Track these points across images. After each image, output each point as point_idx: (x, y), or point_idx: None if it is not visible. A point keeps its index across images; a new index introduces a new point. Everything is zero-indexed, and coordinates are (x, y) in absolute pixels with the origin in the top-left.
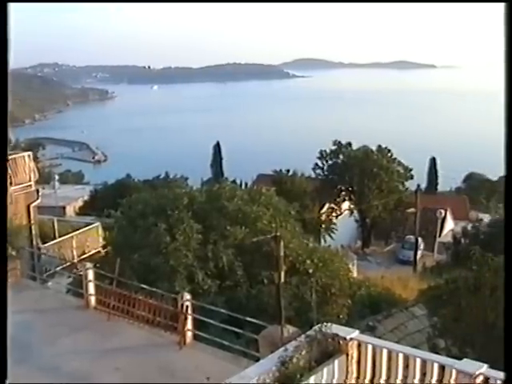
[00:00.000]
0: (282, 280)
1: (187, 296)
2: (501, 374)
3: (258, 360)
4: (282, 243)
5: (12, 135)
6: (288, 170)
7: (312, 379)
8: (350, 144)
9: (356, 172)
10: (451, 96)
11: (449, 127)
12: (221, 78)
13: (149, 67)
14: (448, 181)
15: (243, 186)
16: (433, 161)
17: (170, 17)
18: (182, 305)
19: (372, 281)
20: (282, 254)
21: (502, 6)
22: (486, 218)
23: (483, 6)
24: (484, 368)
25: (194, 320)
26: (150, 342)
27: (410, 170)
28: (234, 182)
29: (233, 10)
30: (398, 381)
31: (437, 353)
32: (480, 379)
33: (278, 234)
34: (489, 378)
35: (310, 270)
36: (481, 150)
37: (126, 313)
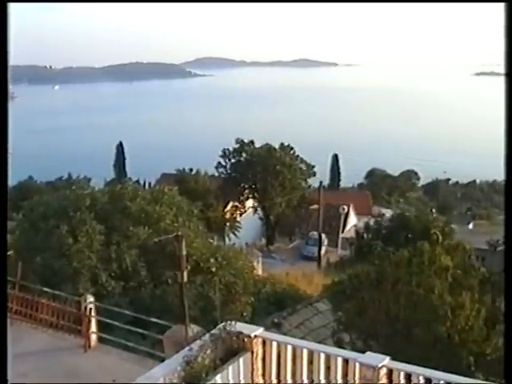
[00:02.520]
0: (186, 279)
1: (91, 298)
2: (403, 366)
3: (163, 360)
4: (184, 242)
5: None
6: (191, 169)
7: (218, 378)
8: (252, 142)
9: (259, 170)
10: (352, 93)
11: (350, 124)
12: (123, 77)
13: (50, 67)
14: (350, 177)
15: (147, 186)
16: (335, 158)
17: (69, 16)
18: (86, 307)
19: (277, 278)
20: (184, 253)
21: (406, 5)
22: (388, 212)
23: (381, 6)
24: (387, 360)
25: (99, 322)
26: (54, 346)
27: (313, 167)
28: (137, 181)
29: (133, 9)
30: (304, 376)
31: (342, 347)
32: (383, 371)
33: (180, 233)
34: (392, 370)
35: (214, 269)
36: (381, 147)
37: (29, 317)
